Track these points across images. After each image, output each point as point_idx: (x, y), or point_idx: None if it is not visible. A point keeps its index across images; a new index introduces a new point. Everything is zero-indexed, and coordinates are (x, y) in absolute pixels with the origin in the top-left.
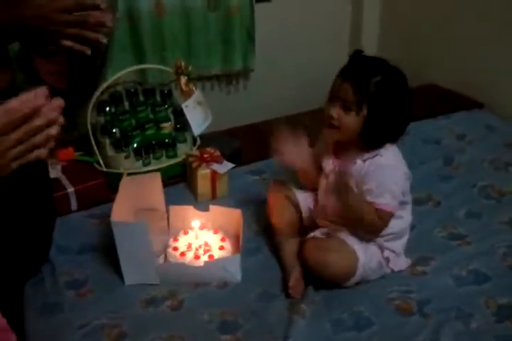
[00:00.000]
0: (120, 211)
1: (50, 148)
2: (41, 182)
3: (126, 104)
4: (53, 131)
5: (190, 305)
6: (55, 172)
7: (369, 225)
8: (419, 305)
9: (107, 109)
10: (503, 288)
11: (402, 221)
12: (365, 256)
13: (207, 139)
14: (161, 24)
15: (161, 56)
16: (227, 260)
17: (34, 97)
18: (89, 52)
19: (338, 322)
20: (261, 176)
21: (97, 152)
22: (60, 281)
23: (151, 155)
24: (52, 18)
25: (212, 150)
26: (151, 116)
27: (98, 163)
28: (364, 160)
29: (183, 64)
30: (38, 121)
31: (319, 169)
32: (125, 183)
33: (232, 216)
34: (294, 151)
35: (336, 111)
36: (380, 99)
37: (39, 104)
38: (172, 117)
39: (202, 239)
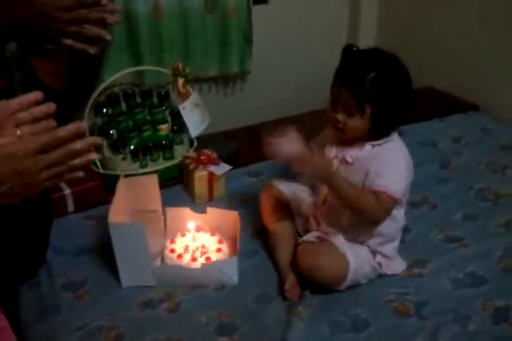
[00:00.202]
0: (117, 212)
1: None
2: None
3: (124, 106)
4: (94, 155)
5: (188, 308)
6: None
7: (369, 211)
8: (416, 308)
9: (104, 110)
10: (500, 290)
11: (394, 222)
12: (356, 260)
13: (204, 141)
14: (158, 26)
15: (158, 58)
16: (224, 262)
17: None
18: (91, 50)
19: (335, 325)
20: (258, 178)
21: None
22: (57, 283)
23: (148, 157)
24: (54, 16)
25: (210, 152)
26: (148, 117)
27: (95, 164)
28: (373, 146)
29: (180, 65)
30: (78, 145)
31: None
32: (122, 185)
33: (229, 218)
34: (284, 141)
35: (340, 116)
36: (379, 95)
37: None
38: (169, 119)
39: (199, 241)
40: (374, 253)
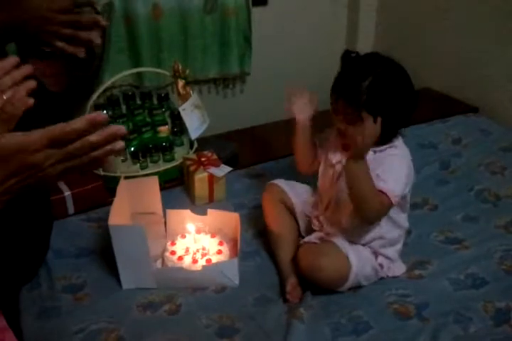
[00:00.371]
0: (117, 214)
1: None
2: None
3: (123, 108)
4: (118, 145)
5: (188, 310)
6: None
7: (369, 207)
8: (417, 309)
9: (104, 112)
10: (501, 291)
11: (397, 227)
12: (359, 261)
13: (203, 143)
14: (157, 27)
15: (158, 59)
16: (224, 264)
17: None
18: (82, 54)
19: (336, 327)
20: (258, 179)
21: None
22: (56, 285)
23: (148, 159)
24: (50, 18)
25: (210, 154)
26: (148, 119)
27: None
28: (375, 151)
29: (180, 67)
30: (94, 137)
31: (315, 156)
32: (122, 187)
33: (229, 219)
34: (302, 106)
35: (342, 125)
36: (376, 102)
37: (97, 119)
38: (169, 120)
39: (199, 243)
40: (376, 254)
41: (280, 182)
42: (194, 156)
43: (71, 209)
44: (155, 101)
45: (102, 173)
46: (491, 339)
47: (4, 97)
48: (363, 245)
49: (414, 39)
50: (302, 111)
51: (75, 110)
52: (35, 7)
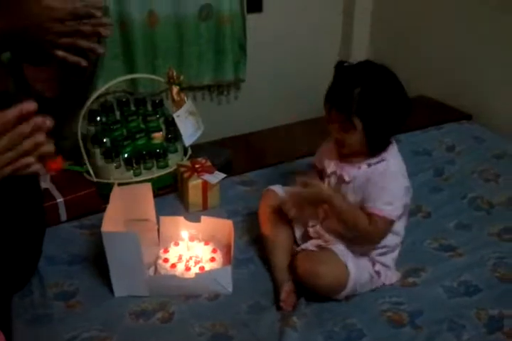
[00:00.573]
0: (110, 221)
1: (42, 162)
2: (31, 192)
3: (117, 114)
4: (40, 137)
5: (181, 318)
6: (44, 182)
7: (363, 232)
8: (410, 317)
9: (98, 118)
10: (494, 299)
11: (396, 235)
12: (357, 269)
13: (197, 149)
14: (152, 33)
15: (153, 66)
16: (218, 272)
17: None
18: (84, 63)
19: (330, 335)
20: (252, 187)
21: (87, 162)
22: (48, 293)
23: (142, 166)
24: (48, 27)
25: (204, 161)
26: (142, 125)
27: (88, 172)
28: (369, 165)
29: (174, 73)
30: (23, 128)
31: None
32: (116, 193)
33: (223, 227)
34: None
35: (337, 134)
36: (368, 109)
37: (23, 112)
38: (163, 127)
39: (193, 250)
40: (373, 262)
41: (277, 188)
42: (188, 163)
43: (63, 216)
44: (149, 108)
45: (95, 180)
46: None
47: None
48: (362, 253)
49: (408, 48)
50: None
51: (68, 116)
52: (34, 15)
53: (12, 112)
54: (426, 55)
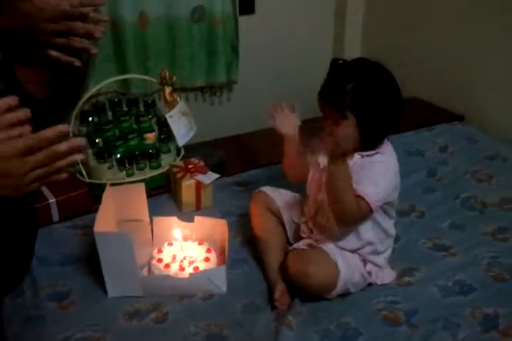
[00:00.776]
0: (103, 222)
1: None
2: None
3: (110, 114)
4: (79, 157)
5: (175, 318)
6: None
7: (346, 207)
8: (406, 316)
9: (90, 119)
10: (488, 298)
11: (386, 234)
12: (347, 268)
13: (190, 150)
14: (144, 35)
15: (145, 66)
16: (212, 272)
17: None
18: (78, 63)
19: (325, 333)
20: (245, 187)
21: (79, 162)
22: (41, 293)
23: (135, 166)
24: (40, 27)
25: (197, 161)
26: (135, 126)
27: (80, 173)
28: (362, 156)
29: (167, 74)
30: (63, 146)
31: (305, 166)
32: (108, 194)
33: (217, 227)
34: (284, 119)
35: (329, 128)
36: (361, 104)
37: (64, 131)
38: (156, 127)
39: (187, 250)
40: (365, 261)
41: (267, 190)
42: (181, 163)
43: (56, 217)
44: (141, 108)
45: (87, 180)
46: None
47: None
48: (352, 252)
49: (400, 48)
50: (285, 125)
51: (60, 117)
52: (26, 15)
53: (50, 131)
54: (418, 56)
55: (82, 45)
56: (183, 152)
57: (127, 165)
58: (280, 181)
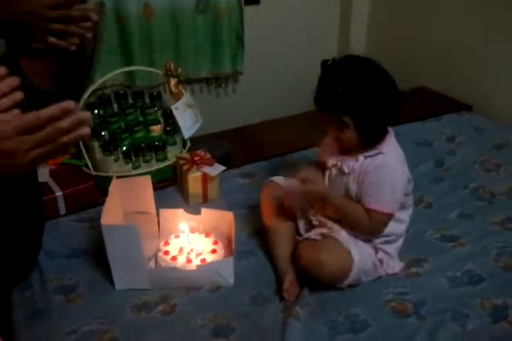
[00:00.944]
0: (110, 214)
1: None
2: (30, 185)
3: (115, 107)
4: (84, 131)
5: (183, 310)
6: (42, 175)
7: (362, 227)
8: (415, 307)
9: (96, 111)
10: (498, 288)
11: (401, 224)
12: (361, 256)
13: (196, 142)
14: (149, 26)
15: (150, 58)
16: (219, 263)
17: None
18: (74, 47)
19: (334, 325)
20: (251, 179)
21: (85, 155)
22: (48, 286)
23: (141, 158)
24: (40, 13)
25: (203, 153)
26: (141, 118)
27: (87, 166)
28: (366, 157)
29: (172, 66)
30: (65, 123)
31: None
32: (115, 186)
33: (224, 219)
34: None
35: (332, 132)
36: (354, 106)
37: (68, 107)
38: (161, 120)
39: (194, 242)
40: (376, 249)
41: (279, 180)
42: (187, 155)
43: (62, 210)
44: (147, 100)
45: (93, 173)
46: (489, 336)
47: None
48: (365, 241)
49: (406, 37)
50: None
51: None
52: (25, 2)
53: (49, 109)
54: (425, 46)
55: (78, 30)
56: (189, 144)
57: (133, 158)
58: (287, 173)
